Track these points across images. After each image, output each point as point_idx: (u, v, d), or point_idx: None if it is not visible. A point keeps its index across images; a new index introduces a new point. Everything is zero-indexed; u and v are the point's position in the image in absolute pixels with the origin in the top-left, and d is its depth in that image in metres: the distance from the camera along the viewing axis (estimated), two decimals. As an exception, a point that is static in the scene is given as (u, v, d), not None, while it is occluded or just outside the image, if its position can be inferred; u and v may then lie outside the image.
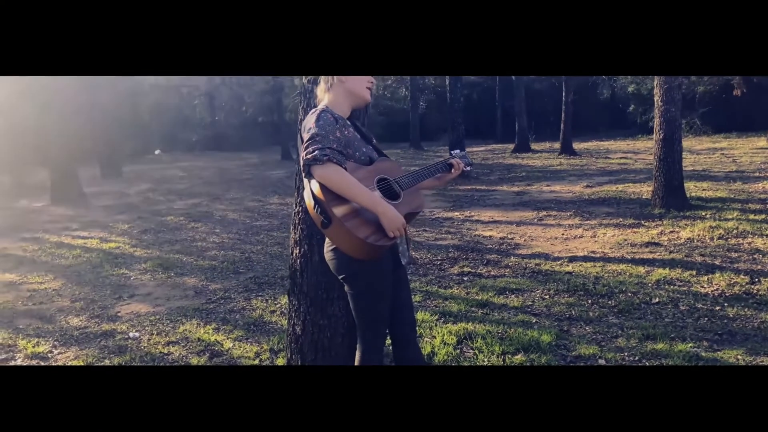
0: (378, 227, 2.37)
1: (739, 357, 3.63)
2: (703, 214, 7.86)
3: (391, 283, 2.63)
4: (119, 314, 5.04)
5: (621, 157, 16.96)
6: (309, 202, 2.46)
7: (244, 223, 9.19)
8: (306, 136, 2.41)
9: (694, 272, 5.41)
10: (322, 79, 2.67)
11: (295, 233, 3.29)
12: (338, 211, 2.33)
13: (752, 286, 4.95)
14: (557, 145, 19.60)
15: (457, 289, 5.31)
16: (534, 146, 21.55)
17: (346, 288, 2.62)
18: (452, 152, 3.00)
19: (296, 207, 3.28)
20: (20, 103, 12.54)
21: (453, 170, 2.90)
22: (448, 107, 15.37)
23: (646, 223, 7.59)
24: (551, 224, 8.05)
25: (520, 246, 6.89)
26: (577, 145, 20.03)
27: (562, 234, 7.37)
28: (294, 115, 23.89)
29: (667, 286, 5.08)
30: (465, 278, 5.66)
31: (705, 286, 5.05)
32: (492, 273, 5.79)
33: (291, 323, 3.28)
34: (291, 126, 22.52)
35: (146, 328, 4.66)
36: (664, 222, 7.57)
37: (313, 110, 2.55)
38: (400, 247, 2.68)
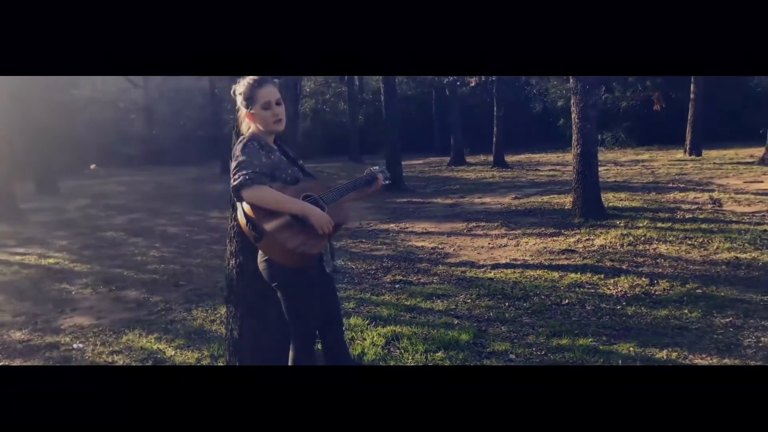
0: (305, 237, 2.72)
1: (631, 349, 4.13)
2: (618, 222, 8.52)
3: (319, 288, 2.99)
4: (62, 327, 5.20)
5: (550, 170, 17.81)
6: (242, 219, 2.80)
7: (185, 238, 9.37)
8: (233, 164, 2.73)
9: (602, 276, 5.96)
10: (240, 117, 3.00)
11: (231, 246, 3.60)
12: (269, 226, 2.66)
13: (651, 288, 5.52)
14: (491, 158, 20.38)
15: (388, 295, 5.70)
16: (469, 159, 22.28)
17: (279, 294, 2.96)
18: (371, 168, 3.35)
19: (231, 221, 3.60)
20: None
21: (373, 185, 3.28)
22: (384, 122, 15.85)
23: (566, 232, 8.18)
24: (479, 234, 8.56)
25: (449, 255, 7.35)
26: (510, 158, 20.87)
27: (489, 243, 7.88)
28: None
29: (577, 289, 5.60)
30: (396, 286, 6.05)
31: (611, 288, 5.59)
32: (421, 280, 6.21)
33: (229, 329, 3.58)
34: (230, 140, 22.64)
35: (90, 339, 4.85)
36: (582, 230, 8.18)
37: (240, 139, 2.88)
38: (325, 257, 3.04)
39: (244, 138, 2.87)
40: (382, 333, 4.59)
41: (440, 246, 7.89)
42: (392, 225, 9.70)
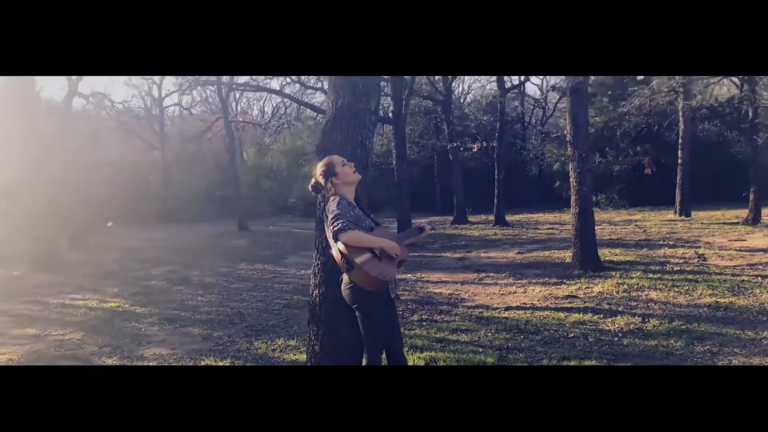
0: (383, 268, 3.78)
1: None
2: (613, 273, 9.55)
3: (386, 309, 4.03)
4: (144, 355, 6.14)
5: (548, 228, 18.93)
6: (337, 255, 3.84)
7: (223, 286, 10.34)
8: (330, 216, 3.79)
9: (601, 316, 6.96)
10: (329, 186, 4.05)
11: (314, 279, 4.61)
12: (358, 259, 3.72)
13: (643, 325, 6.51)
14: (492, 217, 21.59)
15: (419, 330, 6.68)
16: (471, 218, 23.44)
17: (357, 314, 3.98)
18: (421, 221, 4.48)
19: (315, 260, 4.61)
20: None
21: (424, 232, 4.36)
22: (395, 186, 17.08)
23: (567, 281, 9.20)
24: (490, 283, 9.58)
25: (466, 300, 8.34)
26: (509, 217, 22.06)
27: (499, 291, 8.88)
28: (246, 190, 25.44)
29: (580, 326, 6.59)
30: (424, 323, 7.04)
31: (609, 325, 6.58)
32: (445, 319, 7.20)
33: (311, 343, 4.56)
34: (246, 200, 23.89)
35: (172, 364, 5.79)
36: (582, 280, 9.21)
37: (333, 198, 3.96)
38: (391, 286, 4.08)
39: (336, 197, 3.94)
40: (420, 357, 5.56)
41: (456, 292, 8.89)
42: (409, 275, 10.71)
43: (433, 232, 4.52)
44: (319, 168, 4.05)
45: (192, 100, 30.53)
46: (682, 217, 20.00)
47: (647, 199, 25.41)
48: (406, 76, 16.52)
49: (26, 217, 13.08)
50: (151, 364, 5.80)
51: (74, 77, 20.15)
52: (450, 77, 23.88)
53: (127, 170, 25.92)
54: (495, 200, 21.17)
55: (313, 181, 4.13)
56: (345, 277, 3.94)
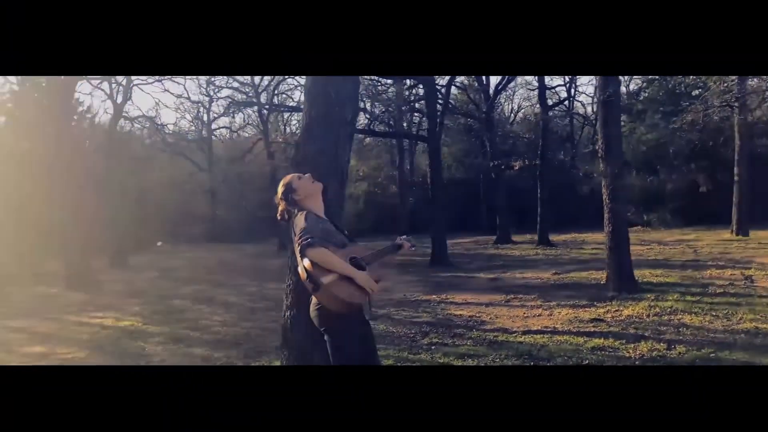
0: (352, 290, 3.47)
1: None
2: (648, 296, 8.95)
3: (359, 331, 3.71)
4: (140, 376, 6.01)
5: (594, 248, 18.15)
6: (302, 273, 3.56)
7: (244, 306, 10.25)
8: (297, 230, 3.53)
9: (624, 341, 6.44)
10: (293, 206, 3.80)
11: (286, 300, 4.39)
12: (325, 279, 3.42)
13: (668, 352, 5.98)
14: (536, 237, 20.96)
15: (423, 354, 6.33)
16: (515, 238, 22.81)
17: (326, 337, 3.68)
18: (400, 237, 4.12)
19: (288, 281, 4.38)
20: (34, 201, 14.00)
21: (402, 249, 4.04)
22: (431, 203, 16.76)
23: (597, 304, 8.66)
24: (516, 305, 9.12)
25: (485, 322, 7.93)
26: (556, 237, 21.35)
27: (524, 313, 8.42)
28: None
29: (598, 352, 6.10)
30: (433, 347, 6.67)
31: (630, 352, 6.07)
32: (456, 343, 6.82)
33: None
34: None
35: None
36: (613, 303, 8.65)
37: (301, 213, 3.70)
38: (365, 306, 3.77)
39: (304, 212, 3.68)
40: (415, 383, 5.21)
41: (477, 314, 8.48)
42: (434, 296, 10.36)
43: (413, 249, 4.18)
44: (278, 193, 3.78)
45: (239, 123, 30.97)
46: (739, 237, 18.92)
47: (703, 219, 24.17)
48: (441, 93, 16.18)
49: (64, 236, 13.38)
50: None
51: (120, 101, 20.79)
52: (491, 94, 23.48)
53: (176, 191, 26.49)
54: (538, 219, 20.57)
55: (279, 209, 3.84)
56: (314, 298, 3.66)
